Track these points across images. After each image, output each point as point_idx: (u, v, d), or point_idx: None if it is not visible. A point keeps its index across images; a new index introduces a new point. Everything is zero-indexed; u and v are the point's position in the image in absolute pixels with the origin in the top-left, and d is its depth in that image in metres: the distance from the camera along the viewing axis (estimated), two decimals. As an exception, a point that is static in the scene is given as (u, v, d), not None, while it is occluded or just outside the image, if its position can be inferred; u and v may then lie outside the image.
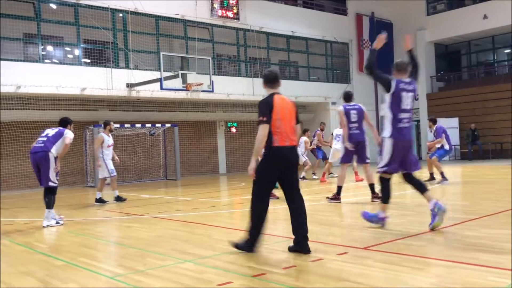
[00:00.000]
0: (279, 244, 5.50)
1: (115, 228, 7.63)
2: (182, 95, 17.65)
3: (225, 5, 20.12)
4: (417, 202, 8.25)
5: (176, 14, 18.72)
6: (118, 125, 17.13)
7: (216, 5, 19.86)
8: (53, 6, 16.34)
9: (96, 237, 6.71)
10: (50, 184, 7.80)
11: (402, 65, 6.23)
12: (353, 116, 9.04)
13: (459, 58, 28.07)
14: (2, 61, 14.81)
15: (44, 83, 15.36)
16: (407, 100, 5.97)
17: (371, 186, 8.92)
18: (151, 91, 17.32)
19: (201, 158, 21.54)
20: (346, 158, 9.17)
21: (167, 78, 15.85)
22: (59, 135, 7.98)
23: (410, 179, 6.14)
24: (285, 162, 5.00)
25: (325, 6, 25.63)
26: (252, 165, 4.97)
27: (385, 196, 6.18)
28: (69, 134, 8.06)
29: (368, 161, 9.12)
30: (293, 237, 5.07)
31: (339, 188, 9.08)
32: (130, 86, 17.10)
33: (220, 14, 19.93)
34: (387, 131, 5.98)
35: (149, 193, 13.02)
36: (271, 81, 5.26)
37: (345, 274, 4.10)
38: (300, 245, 4.92)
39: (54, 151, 7.83)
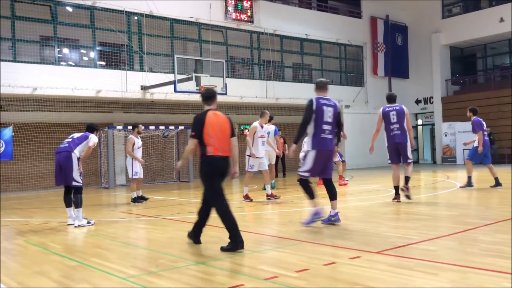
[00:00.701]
0: (291, 247, 5.49)
1: (128, 229, 7.67)
2: (195, 97, 17.70)
3: (239, 8, 20.18)
4: (430, 207, 8.20)
5: (190, 17, 18.82)
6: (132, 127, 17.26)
7: (230, 8, 19.93)
8: (69, 9, 16.53)
9: (109, 238, 6.76)
10: (75, 184, 7.98)
11: (321, 83, 7.16)
12: (393, 117, 9.07)
13: (475, 61, 27.80)
14: (18, 63, 15.03)
15: (60, 85, 15.54)
16: (328, 113, 6.82)
17: (406, 178, 8.99)
18: (165, 94, 17.43)
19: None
20: (394, 159, 9.17)
21: (181, 81, 15.93)
22: (84, 138, 8.23)
23: (327, 184, 6.94)
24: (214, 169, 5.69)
25: (340, 9, 25.58)
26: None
27: (309, 194, 6.87)
28: (93, 138, 8.30)
29: (410, 160, 9.09)
30: (302, 239, 5.04)
31: (396, 188, 9.15)
32: (144, 88, 17.23)
33: (234, 17, 20.00)
34: (309, 144, 6.79)
35: (162, 194, 13.08)
36: (205, 98, 5.97)
37: (357, 278, 4.08)
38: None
39: (77, 152, 8.03)
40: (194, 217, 8.47)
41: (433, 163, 26.41)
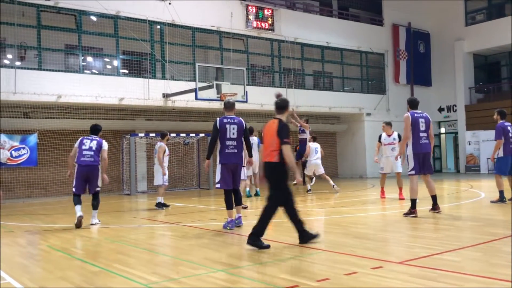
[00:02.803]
0: (313, 256, 5.45)
1: (149, 235, 7.73)
2: (216, 105, 17.81)
3: (260, 17, 20.27)
4: (453, 217, 8.06)
5: (212, 26, 18.98)
6: (153, 134, 17.43)
7: (251, 17, 20.03)
8: (94, 18, 16.83)
9: (131, 244, 6.81)
10: (97, 189, 8.89)
11: (227, 104, 7.91)
12: (422, 125, 8.62)
13: (499, 69, 27.34)
14: (44, 71, 15.33)
15: (84, 93, 15.79)
16: (232, 131, 7.61)
17: (434, 197, 8.64)
18: (186, 101, 17.56)
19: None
20: (418, 169, 8.50)
21: (202, 89, 16.04)
22: (100, 147, 8.84)
23: (235, 192, 7.81)
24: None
25: (361, 17, 25.48)
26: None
27: (229, 205, 7.71)
28: (106, 147, 8.98)
29: (432, 171, 8.79)
30: (323, 248, 4.99)
31: (414, 202, 8.47)
32: (166, 96, 17.40)
33: (255, 25, 20.10)
34: (218, 158, 7.69)
35: (182, 201, 13.15)
36: (280, 108, 6.41)
37: (379, 289, 4.02)
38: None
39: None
40: (214, 224, 8.51)
41: (457, 172, 25.99)
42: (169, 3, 17.67)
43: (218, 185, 7.73)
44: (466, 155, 24.15)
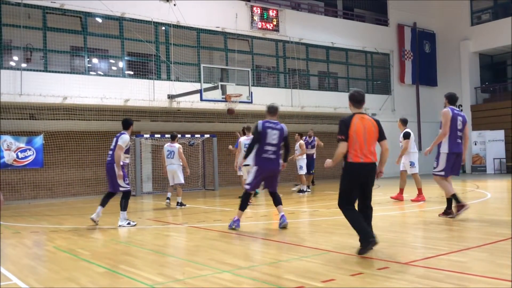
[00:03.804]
0: (318, 257, 5.44)
1: (154, 236, 7.74)
2: (221, 106, 17.82)
3: (265, 17, 20.28)
4: (459, 218, 8.03)
5: (216, 27, 19.00)
6: (159, 135, 17.47)
7: (256, 18, 20.04)
8: (99, 20, 16.88)
9: (137, 245, 6.83)
10: (121, 189, 8.75)
11: (271, 108, 7.77)
12: (459, 124, 8.04)
13: (505, 68, 27.22)
14: (49, 73, 15.40)
15: (89, 94, 15.85)
16: (273, 136, 7.50)
17: (450, 201, 8.14)
18: (191, 102, 17.59)
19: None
20: (450, 170, 8.04)
21: (207, 90, 16.06)
22: (116, 143, 8.78)
23: (274, 194, 7.86)
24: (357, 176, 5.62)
25: (366, 17, 25.44)
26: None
27: (244, 206, 7.75)
28: (120, 142, 8.73)
29: (458, 173, 8.34)
30: (328, 249, 5.00)
31: (451, 200, 8.11)
32: (171, 97, 17.43)
33: (260, 26, 20.10)
34: (253, 160, 7.64)
35: (187, 202, 13.15)
36: (356, 101, 5.77)
37: (385, 289, 4.02)
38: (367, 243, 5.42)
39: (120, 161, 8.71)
40: (219, 225, 8.52)
41: (463, 172, 25.88)
42: (174, 5, 17.71)
43: (247, 187, 7.72)
44: (472, 155, 24.05)
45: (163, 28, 17.85)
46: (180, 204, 12.19)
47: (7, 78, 14.47)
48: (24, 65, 15.55)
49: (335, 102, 21.96)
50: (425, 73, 26.22)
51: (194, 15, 18.31)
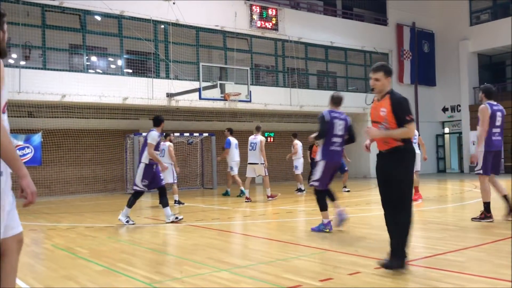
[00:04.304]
0: (316, 256, 5.45)
1: (152, 235, 7.74)
2: (220, 104, 17.83)
3: (264, 16, 20.27)
4: (457, 217, 8.04)
5: (216, 26, 18.99)
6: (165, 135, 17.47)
7: (255, 16, 20.03)
8: (98, 18, 16.86)
9: (134, 243, 6.83)
10: (134, 188, 8.78)
11: (336, 98, 7.31)
12: (498, 119, 7.57)
13: (504, 69, 27.25)
14: (48, 71, 15.38)
15: (88, 92, 15.83)
16: (339, 127, 7.05)
17: (506, 198, 7.64)
18: (190, 101, 17.58)
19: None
20: (490, 168, 7.65)
21: (205, 88, 16.05)
22: (145, 143, 8.74)
23: (328, 191, 7.24)
24: None
25: (365, 17, 25.44)
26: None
27: (324, 206, 7.11)
28: (150, 139, 8.66)
29: (498, 171, 7.91)
30: (326, 248, 5.00)
31: (487, 205, 7.64)
32: (170, 95, 17.42)
33: (259, 25, 20.09)
34: (319, 156, 7.07)
35: (186, 201, 13.16)
36: None
37: (383, 289, 4.02)
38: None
39: (144, 160, 8.59)
40: (217, 224, 8.52)
41: (460, 172, 25.93)
42: (173, 3, 17.68)
43: (316, 184, 7.09)
44: (470, 155, 24.05)
45: (162, 26, 17.83)
46: (178, 202, 12.19)
47: (6, 75, 14.28)
48: (22, 62, 15.53)
49: (334, 101, 21.93)
50: (424, 73, 26.24)
51: (193, 13, 18.29)
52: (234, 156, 14.28)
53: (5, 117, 2.90)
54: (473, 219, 7.78)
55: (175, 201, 12.15)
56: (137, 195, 8.78)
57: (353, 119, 25.39)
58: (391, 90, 4.76)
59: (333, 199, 7.27)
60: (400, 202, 4.52)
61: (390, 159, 4.64)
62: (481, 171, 7.64)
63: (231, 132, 14.54)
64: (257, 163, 12.72)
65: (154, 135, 8.67)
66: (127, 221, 8.62)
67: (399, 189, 4.54)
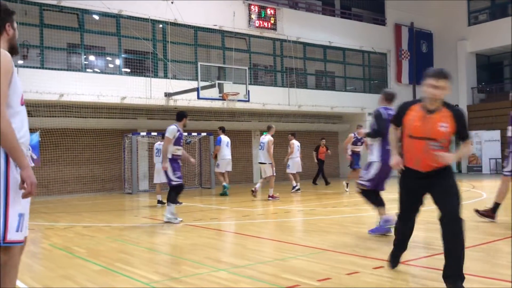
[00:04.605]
0: (314, 256, 5.45)
1: (151, 234, 7.73)
2: (218, 104, 17.82)
3: (262, 16, 20.26)
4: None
5: (214, 25, 18.97)
6: (155, 133, 17.45)
7: (253, 16, 20.02)
8: (96, 17, 16.83)
9: (132, 243, 6.82)
10: (171, 183, 8.58)
11: (389, 95, 6.94)
12: None
13: (502, 69, 27.31)
14: (46, 70, 15.35)
15: (86, 91, 15.80)
16: None
17: (497, 204, 7.59)
18: (188, 100, 17.56)
19: (235, 167, 21.56)
20: None
21: (204, 88, 16.04)
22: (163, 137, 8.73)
23: (378, 195, 6.78)
24: None
25: (364, 16, 25.45)
26: None
27: (378, 201, 6.70)
28: (167, 133, 8.59)
29: None
30: (324, 247, 5.00)
31: (497, 206, 7.52)
32: (168, 95, 17.40)
33: (257, 24, 20.08)
34: (375, 155, 6.63)
35: (184, 200, 13.15)
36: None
37: (381, 289, 4.02)
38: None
39: (168, 153, 8.50)
40: (215, 223, 8.51)
41: (458, 172, 25.95)
42: (172, 2, 17.67)
43: (367, 184, 6.66)
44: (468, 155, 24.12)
45: (161, 26, 17.81)
46: (160, 202, 12.14)
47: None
48: (20, 62, 15.50)
49: (332, 101, 21.98)
50: (422, 73, 26.00)
51: (192, 13, 18.27)
52: (224, 154, 14.58)
53: (23, 109, 2.96)
54: (477, 211, 7.77)
55: (158, 201, 12.13)
56: (176, 189, 8.62)
57: (351, 119, 25.47)
58: (442, 101, 4.10)
59: (382, 204, 6.77)
60: (459, 214, 3.97)
61: (438, 177, 4.13)
62: (509, 174, 7.46)
63: (223, 130, 14.76)
64: (265, 163, 13.00)
65: (171, 129, 8.58)
66: (175, 218, 8.48)
67: (457, 202, 4.00)
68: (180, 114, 8.91)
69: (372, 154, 6.72)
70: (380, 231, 6.65)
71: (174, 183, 8.56)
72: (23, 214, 2.88)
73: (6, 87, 2.83)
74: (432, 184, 4.13)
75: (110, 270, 5.04)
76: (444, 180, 4.11)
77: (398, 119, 4.33)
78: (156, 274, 4.80)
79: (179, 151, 8.79)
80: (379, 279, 4.30)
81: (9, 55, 2.93)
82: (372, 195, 6.75)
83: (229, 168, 14.91)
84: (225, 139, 14.74)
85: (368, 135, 6.77)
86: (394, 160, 4.33)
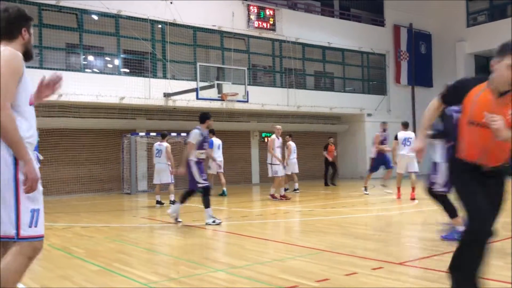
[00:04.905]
0: (313, 256, 5.45)
1: (149, 235, 7.73)
2: (217, 104, 17.81)
3: (261, 17, 20.27)
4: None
5: (213, 25, 18.97)
6: (154, 134, 17.44)
7: (252, 17, 20.03)
8: (95, 17, 16.81)
9: (131, 243, 6.81)
10: (199, 185, 8.38)
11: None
12: None
13: (500, 70, 27.31)
14: (45, 70, 15.33)
15: (85, 91, 15.77)
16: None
17: None
18: (187, 101, 17.55)
19: (234, 167, 21.60)
20: None
21: (203, 88, 16.04)
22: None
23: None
24: None
25: (362, 17, 25.45)
26: None
27: (453, 209, 6.07)
28: (190, 138, 8.49)
29: None
30: (323, 248, 5.01)
31: None
32: (167, 95, 17.40)
33: (256, 25, 20.09)
34: (438, 155, 6.14)
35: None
36: None
37: (379, 289, 4.02)
38: None
39: (192, 157, 8.37)
40: (214, 224, 8.49)
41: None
42: (171, 3, 17.67)
43: (445, 189, 6.10)
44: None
45: (160, 26, 17.80)
46: (173, 202, 12.12)
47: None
48: (19, 62, 15.46)
49: (331, 102, 21.99)
50: (421, 74, 26.28)
51: (191, 13, 18.27)
52: (216, 156, 14.44)
53: (31, 109, 3.11)
54: None
55: (170, 201, 12.08)
56: (207, 192, 8.47)
57: (350, 119, 25.50)
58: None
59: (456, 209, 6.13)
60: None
61: (496, 180, 3.51)
62: None
63: (213, 133, 14.56)
64: (270, 163, 13.06)
65: (194, 133, 8.40)
66: (214, 221, 8.28)
67: (497, 218, 3.63)
68: (203, 116, 8.59)
69: (436, 153, 6.30)
70: (453, 238, 5.95)
71: (203, 185, 8.39)
72: (37, 209, 2.87)
73: (14, 85, 2.87)
74: (488, 185, 3.46)
75: (109, 270, 5.04)
76: (499, 188, 3.50)
77: (456, 96, 3.47)
78: (154, 275, 4.80)
79: (203, 155, 8.58)
80: (377, 280, 4.31)
81: (20, 55, 3.01)
82: (449, 200, 6.12)
83: (221, 170, 14.93)
84: (216, 141, 14.75)
85: (435, 137, 6.18)
86: (419, 144, 3.66)
